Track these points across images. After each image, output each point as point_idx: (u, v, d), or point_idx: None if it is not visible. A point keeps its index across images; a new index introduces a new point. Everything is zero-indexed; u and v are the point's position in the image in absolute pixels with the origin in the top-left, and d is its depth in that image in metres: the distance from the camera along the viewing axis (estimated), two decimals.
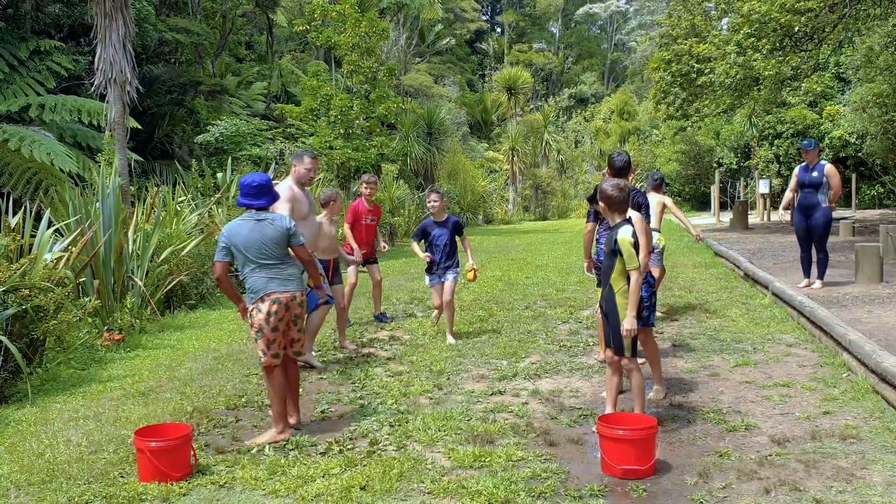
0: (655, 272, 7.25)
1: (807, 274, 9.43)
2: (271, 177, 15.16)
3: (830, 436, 4.66)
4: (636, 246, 4.69)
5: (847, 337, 6.20)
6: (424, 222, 7.81)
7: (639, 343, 5.41)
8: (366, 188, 8.97)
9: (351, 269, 8.56)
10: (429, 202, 7.84)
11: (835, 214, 9.50)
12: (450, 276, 7.63)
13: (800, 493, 3.90)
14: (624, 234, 4.67)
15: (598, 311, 5.12)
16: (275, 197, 5.20)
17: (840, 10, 15.39)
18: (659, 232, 8.32)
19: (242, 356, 7.38)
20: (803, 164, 9.22)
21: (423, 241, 7.77)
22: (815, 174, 9.02)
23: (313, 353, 7.08)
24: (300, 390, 5.92)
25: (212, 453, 4.77)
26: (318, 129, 18.46)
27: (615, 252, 4.69)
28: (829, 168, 9.05)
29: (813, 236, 9.17)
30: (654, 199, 8.32)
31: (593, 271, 6.10)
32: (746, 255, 12.86)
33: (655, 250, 7.62)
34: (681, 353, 6.97)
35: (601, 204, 4.83)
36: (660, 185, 8.65)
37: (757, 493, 3.93)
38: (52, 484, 4.33)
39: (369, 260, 8.95)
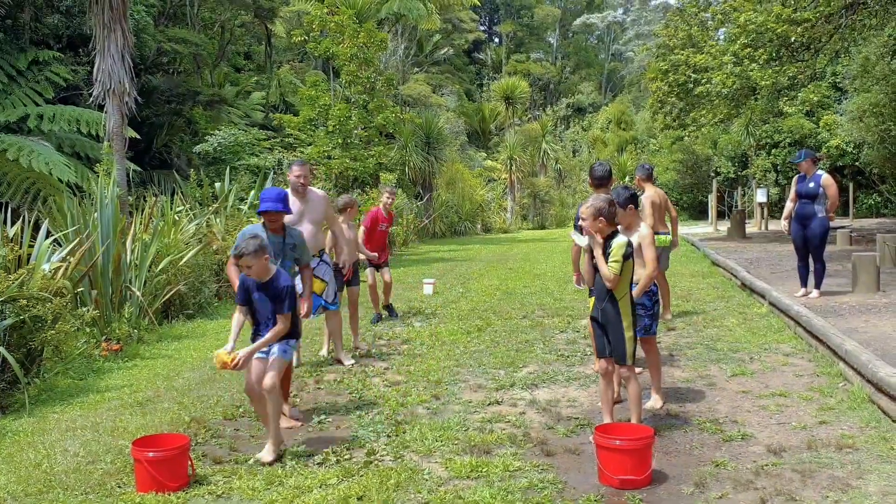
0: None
1: (804, 283, 9.44)
2: (268, 186, 15.22)
3: (827, 445, 4.67)
4: (628, 256, 4.69)
5: (843, 347, 6.21)
6: (244, 275, 4.95)
7: (641, 351, 5.43)
8: (388, 197, 9.78)
9: (369, 270, 9.52)
10: (242, 262, 4.80)
11: (832, 224, 9.50)
12: (275, 349, 4.92)
13: (795, 502, 3.91)
14: (620, 241, 4.68)
15: (590, 322, 5.11)
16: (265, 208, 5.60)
17: (836, 21, 15.48)
18: (668, 233, 8.34)
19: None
20: (801, 174, 9.24)
21: (248, 306, 4.98)
22: (811, 185, 9.04)
23: (343, 352, 7.52)
24: (297, 400, 5.95)
25: (209, 463, 4.77)
26: (317, 139, 18.52)
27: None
28: (825, 178, 9.06)
29: (810, 246, 9.18)
30: (648, 193, 8.25)
31: (582, 283, 6.07)
32: (744, 264, 12.89)
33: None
34: (678, 362, 6.98)
35: (602, 220, 4.74)
36: (650, 176, 8.54)
37: (753, 502, 3.94)
38: (49, 494, 4.33)
39: (382, 264, 9.66)
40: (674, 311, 9.39)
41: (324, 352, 7.74)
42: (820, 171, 9.19)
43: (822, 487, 4.08)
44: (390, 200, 9.74)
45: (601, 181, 6.03)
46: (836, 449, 4.61)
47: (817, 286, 9.29)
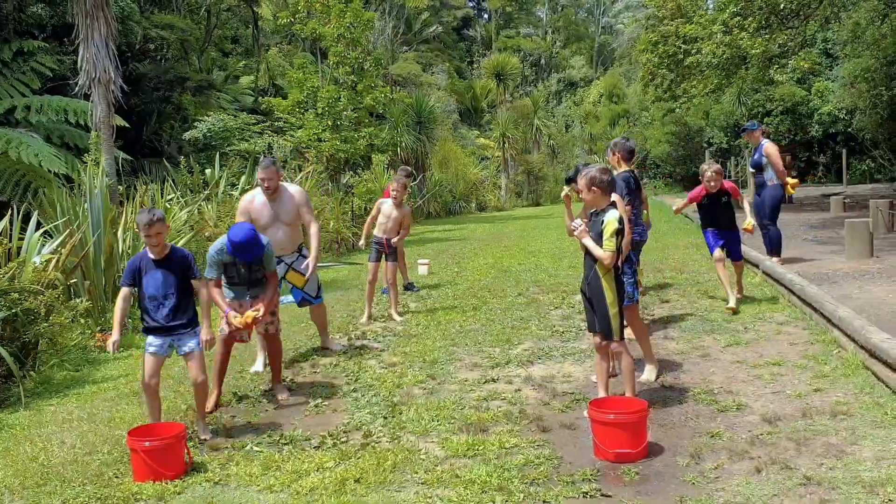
0: None
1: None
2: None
3: (821, 413, 4.69)
4: (620, 232, 4.65)
5: (837, 313, 6.22)
6: (134, 258, 5.03)
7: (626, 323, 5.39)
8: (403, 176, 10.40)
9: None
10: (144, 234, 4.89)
11: (826, 189, 9.54)
12: (192, 343, 5.06)
13: (791, 470, 3.92)
14: (611, 217, 4.64)
15: (581, 295, 5.08)
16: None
17: None
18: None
19: (235, 353, 7.35)
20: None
21: (134, 287, 4.97)
22: (755, 156, 9.12)
23: (330, 339, 7.48)
24: (293, 384, 5.94)
25: (206, 451, 4.78)
26: (306, 122, 18.39)
27: (601, 236, 4.66)
28: (765, 148, 9.12)
29: (762, 213, 9.24)
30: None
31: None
32: None
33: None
34: (671, 333, 6.98)
35: (594, 189, 4.70)
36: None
37: (748, 472, 3.95)
38: (46, 487, 4.33)
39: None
40: (668, 282, 9.40)
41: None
42: (763, 141, 9.24)
43: (816, 454, 4.10)
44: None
45: (632, 153, 6.01)
46: (830, 416, 4.62)
47: (776, 253, 9.31)
